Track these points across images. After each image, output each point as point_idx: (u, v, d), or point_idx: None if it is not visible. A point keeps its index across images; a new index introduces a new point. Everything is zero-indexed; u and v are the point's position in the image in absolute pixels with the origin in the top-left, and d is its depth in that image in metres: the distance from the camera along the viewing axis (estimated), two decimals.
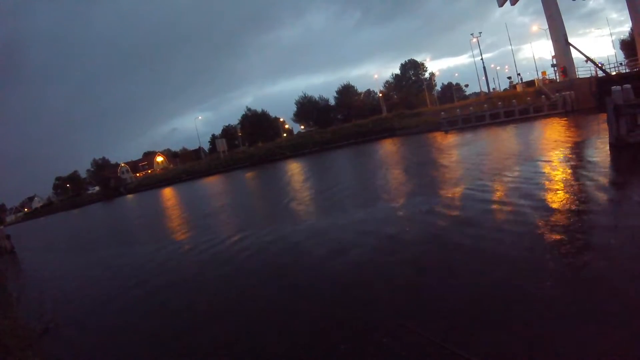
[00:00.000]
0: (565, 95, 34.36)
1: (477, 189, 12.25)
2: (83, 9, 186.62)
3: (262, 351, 5.70)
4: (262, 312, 7.00)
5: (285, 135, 79.64)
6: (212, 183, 44.59)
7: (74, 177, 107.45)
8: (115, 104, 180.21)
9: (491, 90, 58.20)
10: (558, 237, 7.22)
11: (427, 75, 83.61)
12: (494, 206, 10.15)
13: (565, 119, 29.25)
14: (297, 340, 5.76)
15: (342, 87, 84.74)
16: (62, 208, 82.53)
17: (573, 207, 8.73)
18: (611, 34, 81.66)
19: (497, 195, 11.22)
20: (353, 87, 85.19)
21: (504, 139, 25.63)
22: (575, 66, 38.96)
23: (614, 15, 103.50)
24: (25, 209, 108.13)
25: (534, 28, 56.23)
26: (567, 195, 9.69)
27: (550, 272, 6.04)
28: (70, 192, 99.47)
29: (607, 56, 58.85)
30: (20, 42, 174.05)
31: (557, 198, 9.63)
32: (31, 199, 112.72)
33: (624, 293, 5.02)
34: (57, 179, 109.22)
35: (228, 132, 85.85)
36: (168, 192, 48.96)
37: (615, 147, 13.65)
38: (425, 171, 18.45)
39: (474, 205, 10.47)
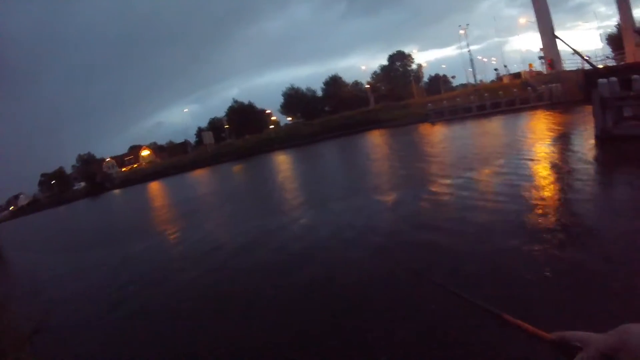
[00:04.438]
0: (552, 87, 34.62)
1: (467, 178, 12.44)
2: (65, 3, 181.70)
3: None
4: None
5: (272, 127, 79.07)
6: (199, 177, 44.28)
7: (59, 174, 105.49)
8: (99, 99, 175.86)
9: (478, 82, 58.65)
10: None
11: (414, 66, 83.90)
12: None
13: (552, 110, 29.48)
14: None
15: (329, 78, 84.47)
16: (49, 205, 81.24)
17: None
18: (599, 28, 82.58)
19: (483, 188, 11.31)
20: (340, 78, 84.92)
21: (490, 131, 25.79)
22: (563, 59, 39.32)
23: (602, 9, 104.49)
24: (12, 207, 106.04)
25: (522, 20, 56.20)
26: (553, 187, 9.85)
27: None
28: (56, 188, 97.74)
29: (595, 49, 59.46)
30: (1, 38, 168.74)
31: (545, 185, 9.80)
32: (17, 196, 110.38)
33: None
34: (42, 175, 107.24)
35: (215, 124, 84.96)
36: (155, 187, 48.53)
37: (601, 139, 13.70)
38: (408, 162, 18.58)
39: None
